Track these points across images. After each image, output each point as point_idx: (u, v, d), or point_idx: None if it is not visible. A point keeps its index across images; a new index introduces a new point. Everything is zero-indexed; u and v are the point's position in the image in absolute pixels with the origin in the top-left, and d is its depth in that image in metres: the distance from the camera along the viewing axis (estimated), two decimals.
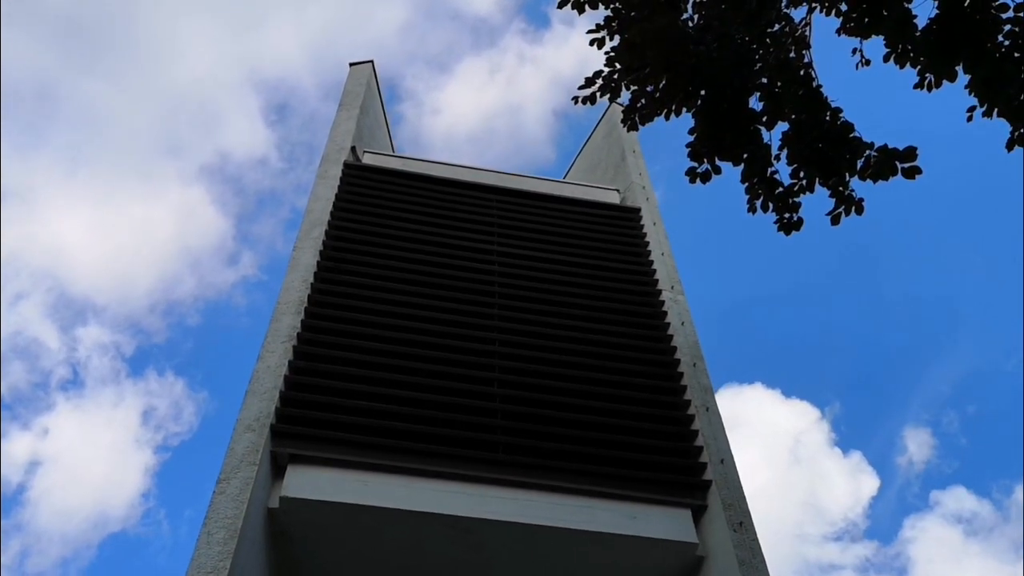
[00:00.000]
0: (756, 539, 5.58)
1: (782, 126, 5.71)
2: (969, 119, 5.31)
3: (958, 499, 21.92)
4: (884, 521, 22.80)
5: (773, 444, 23.04)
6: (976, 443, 22.26)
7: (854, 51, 5.86)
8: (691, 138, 5.73)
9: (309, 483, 5.66)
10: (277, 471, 5.70)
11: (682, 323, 7.32)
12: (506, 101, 28.88)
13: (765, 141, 5.70)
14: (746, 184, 5.76)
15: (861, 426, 24.26)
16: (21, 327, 22.94)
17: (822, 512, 21.99)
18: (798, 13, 5.87)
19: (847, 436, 23.79)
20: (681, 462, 6.24)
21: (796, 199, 5.68)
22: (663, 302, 7.54)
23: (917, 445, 23.00)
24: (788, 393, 24.18)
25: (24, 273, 23.48)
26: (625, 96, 5.88)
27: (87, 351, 23.23)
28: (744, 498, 5.89)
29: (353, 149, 8.77)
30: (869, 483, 22.47)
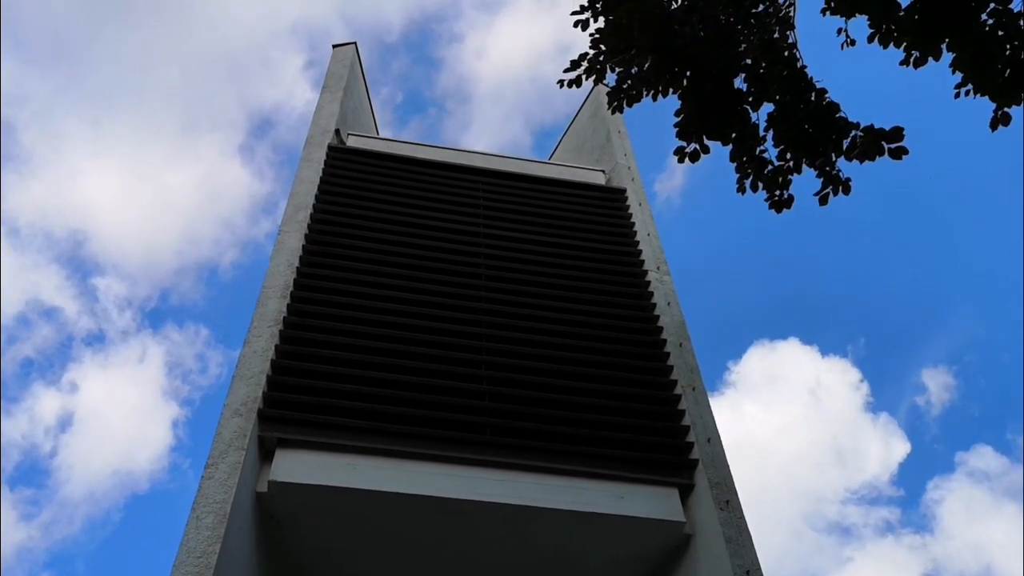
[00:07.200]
0: (743, 517, 5.64)
1: (768, 107, 5.72)
2: (956, 96, 5.33)
3: (983, 458, 21.98)
4: (910, 483, 22.76)
5: (803, 402, 22.91)
6: (1001, 390, 22.28)
7: (839, 31, 5.87)
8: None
9: (297, 467, 5.66)
10: (265, 455, 5.70)
11: (668, 303, 7.35)
12: (556, 41, 27.20)
13: (753, 121, 5.70)
14: (735, 164, 5.77)
15: (889, 371, 23.97)
16: (46, 286, 22.83)
17: (850, 473, 22.05)
18: None
19: (880, 398, 23.54)
20: (668, 442, 6.27)
21: (786, 177, 5.70)
22: (649, 283, 7.56)
23: (937, 386, 23.02)
24: (825, 351, 23.86)
25: (50, 232, 23.27)
26: (611, 78, 5.87)
27: (112, 306, 23.16)
28: (731, 477, 5.94)
29: (337, 132, 8.72)
30: (900, 447, 22.51)
